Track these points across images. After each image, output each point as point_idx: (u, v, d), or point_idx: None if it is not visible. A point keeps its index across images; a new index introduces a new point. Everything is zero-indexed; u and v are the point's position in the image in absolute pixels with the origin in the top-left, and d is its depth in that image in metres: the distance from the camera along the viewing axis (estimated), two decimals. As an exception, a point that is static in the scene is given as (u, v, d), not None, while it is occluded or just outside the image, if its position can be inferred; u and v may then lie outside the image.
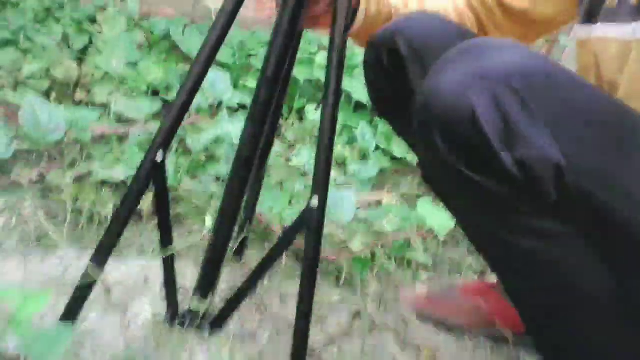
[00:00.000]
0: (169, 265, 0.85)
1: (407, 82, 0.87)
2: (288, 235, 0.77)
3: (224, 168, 1.42)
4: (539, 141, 0.58)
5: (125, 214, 0.78)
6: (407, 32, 0.87)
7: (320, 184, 0.70)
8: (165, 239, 0.85)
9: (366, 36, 0.95)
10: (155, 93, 1.85)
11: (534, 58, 0.62)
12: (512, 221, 0.65)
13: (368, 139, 1.83)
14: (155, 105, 1.67)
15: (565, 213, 0.63)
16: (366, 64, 0.94)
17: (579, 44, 0.91)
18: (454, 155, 0.61)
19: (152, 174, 0.77)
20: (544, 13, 0.99)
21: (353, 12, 0.93)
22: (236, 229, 1.16)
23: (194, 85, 0.81)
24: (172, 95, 1.77)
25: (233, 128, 1.46)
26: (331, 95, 0.74)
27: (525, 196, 0.61)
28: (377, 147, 1.82)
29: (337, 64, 0.76)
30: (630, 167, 0.62)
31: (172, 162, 1.46)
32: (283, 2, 0.78)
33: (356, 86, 1.95)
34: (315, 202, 0.69)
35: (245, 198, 1.09)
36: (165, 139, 0.78)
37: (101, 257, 0.78)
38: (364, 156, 1.83)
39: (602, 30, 0.82)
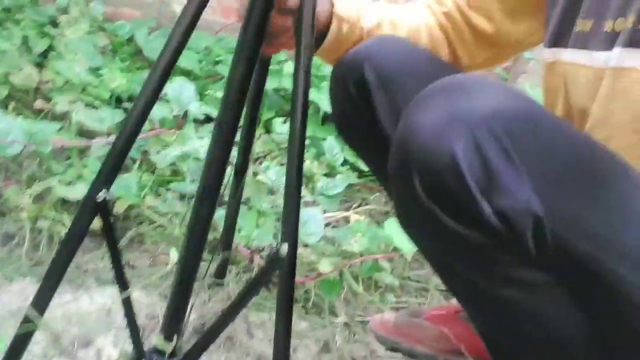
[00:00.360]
0: (128, 306, 0.82)
1: (373, 110, 0.86)
2: (256, 281, 0.75)
3: (189, 186, 1.39)
4: (520, 192, 0.58)
5: (65, 260, 0.75)
6: (375, 58, 0.86)
7: (290, 231, 0.67)
8: (121, 280, 0.81)
9: (334, 55, 0.93)
10: (118, 100, 1.80)
11: (516, 100, 0.60)
12: (491, 270, 0.64)
13: (336, 154, 1.82)
14: (118, 116, 1.62)
15: (545, 263, 0.62)
16: (332, 90, 0.93)
17: (547, 66, 0.91)
18: (433, 201, 0.60)
19: (94, 214, 0.74)
20: (513, 35, 0.99)
21: (322, 33, 0.91)
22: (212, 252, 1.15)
23: (142, 111, 0.76)
24: (136, 105, 1.73)
25: (199, 142, 1.43)
26: (297, 141, 0.70)
27: (505, 246, 0.60)
28: (344, 162, 1.82)
29: (301, 116, 0.72)
30: (609, 217, 0.62)
31: (135, 178, 1.43)
32: (243, 29, 0.75)
33: (324, 98, 1.94)
34: (285, 249, 0.66)
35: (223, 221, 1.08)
36: (108, 177, 0.75)
37: (42, 301, 0.75)
38: (332, 170, 1.82)
39: (574, 56, 0.82)
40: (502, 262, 0.63)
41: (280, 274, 0.67)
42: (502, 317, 0.69)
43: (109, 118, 1.58)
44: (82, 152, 1.53)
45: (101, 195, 0.74)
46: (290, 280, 0.66)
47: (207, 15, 2.48)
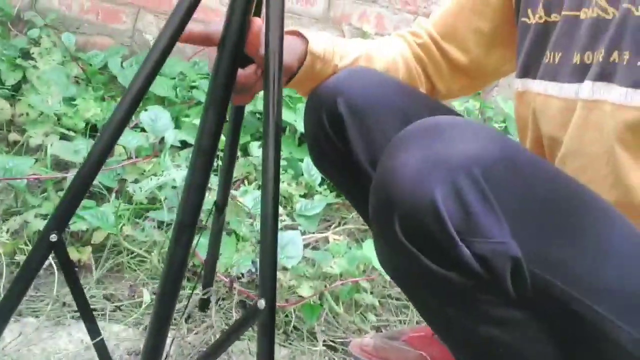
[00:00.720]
0: (101, 351, 0.81)
1: (347, 143, 0.87)
2: (234, 332, 0.74)
3: (167, 214, 1.39)
4: (498, 236, 0.59)
5: (15, 299, 0.74)
6: (347, 91, 0.87)
7: (268, 287, 0.67)
8: (91, 326, 0.81)
9: (306, 88, 0.94)
10: (94, 130, 1.80)
11: (493, 142, 0.62)
12: (471, 309, 0.65)
13: (314, 174, 1.83)
14: (94, 147, 1.62)
15: (525, 302, 0.63)
16: (306, 123, 0.93)
17: (517, 95, 0.93)
18: (413, 245, 0.61)
19: (47, 254, 0.74)
20: (487, 65, 1.01)
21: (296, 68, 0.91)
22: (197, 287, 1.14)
23: (102, 151, 0.73)
24: (111, 135, 1.72)
25: (176, 172, 1.43)
26: (269, 181, 0.71)
27: (485, 287, 0.61)
28: (322, 181, 1.83)
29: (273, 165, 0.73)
30: (587, 257, 0.64)
31: (112, 208, 1.42)
32: (212, 80, 0.74)
33: (300, 119, 1.95)
34: (262, 303, 0.66)
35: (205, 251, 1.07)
36: (61, 220, 0.74)
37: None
38: (310, 190, 1.83)
39: (543, 87, 0.84)
40: (482, 301, 0.64)
41: (259, 326, 0.67)
42: (481, 353, 0.69)
43: (84, 149, 1.57)
44: (58, 183, 1.52)
45: (55, 236, 0.73)
46: (269, 332, 0.67)
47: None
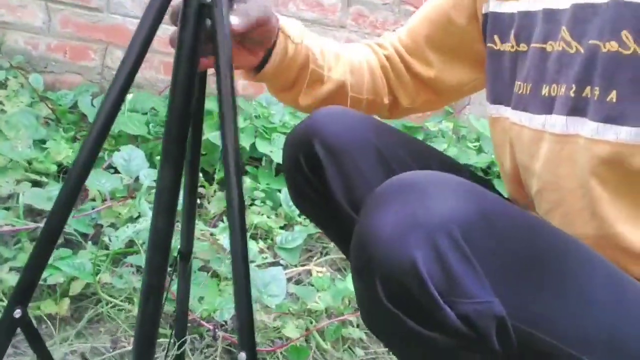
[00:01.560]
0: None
1: (327, 184, 0.87)
2: None
3: (143, 260, 1.37)
4: (481, 295, 0.59)
5: None
6: (323, 132, 0.87)
7: (246, 338, 0.66)
8: None
9: (279, 80, 0.93)
10: (66, 172, 1.77)
11: (471, 198, 0.61)
12: None
13: (292, 205, 1.82)
14: (68, 192, 1.58)
15: (512, 357, 0.63)
16: (286, 165, 0.93)
17: (491, 120, 0.94)
18: (396, 306, 0.60)
19: (13, 331, 0.71)
20: (450, 81, 1.02)
21: (268, 51, 0.89)
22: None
23: (68, 199, 0.69)
24: (85, 178, 1.69)
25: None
26: (234, 200, 0.68)
27: (470, 346, 0.61)
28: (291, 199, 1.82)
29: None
30: (570, 308, 0.63)
31: (88, 255, 1.40)
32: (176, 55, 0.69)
33: (276, 149, 1.95)
34: (243, 356, 0.65)
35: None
36: (25, 292, 0.70)
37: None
38: (289, 221, 1.82)
39: (518, 117, 0.85)
40: (468, 359, 0.63)
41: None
42: None
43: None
44: (32, 232, 1.49)
45: (19, 311, 0.71)
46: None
47: (149, 73, 2.48)
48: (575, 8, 0.76)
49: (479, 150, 2.16)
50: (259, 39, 0.86)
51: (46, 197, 1.53)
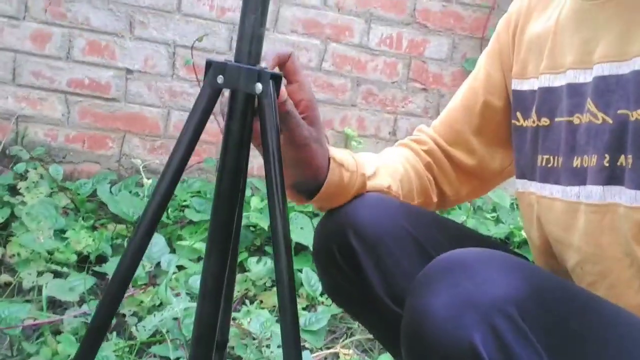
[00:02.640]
0: None
1: (364, 276, 0.86)
2: None
3: (172, 350, 1.34)
4: None
5: None
6: (357, 222, 0.85)
7: None
8: None
9: (332, 202, 0.88)
10: (85, 261, 1.76)
11: (523, 274, 0.61)
12: None
13: (314, 284, 1.80)
14: (89, 281, 1.58)
15: None
16: (318, 256, 0.91)
17: (518, 194, 0.93)
18: None
19: None
20: (493, 165, 1.01)
21: (317, 186, 0.84)
22: None
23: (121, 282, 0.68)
24: (105, 266, 1.69)
25: (177, 302, 1.39)
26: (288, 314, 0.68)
27: None
28: (323, 290, 1.79)
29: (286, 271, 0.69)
30: None
31: (111, 346, 1.37)
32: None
33: (295, 228, 1.94)
34: None
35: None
36: None
37: None
38: (312, 302, 1.79)
39: (548, 190, 0.84)
40: None
41: None
42: None
43: (80, 285, 1.53)
44: (55, 325, 1.47)
45: None
46: None
47: (164, 158, 2.52)
48: (598, 81, 0.78)
49: (497, 220, 2.16)
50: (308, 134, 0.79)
51: (68, 288, 1.52)
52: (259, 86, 0.66)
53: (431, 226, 0.90)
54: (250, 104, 0.68)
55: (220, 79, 0.66)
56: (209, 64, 0.67)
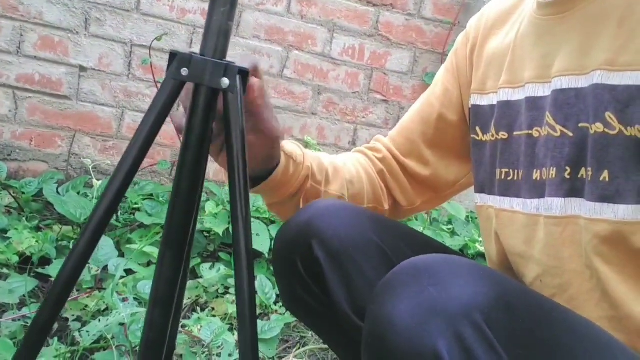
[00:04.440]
0: None
1: (327, 289, 0.81)
2: None
3: (116, 356, 1.27)
4: None
5: None
6: (321, 232, 0.81)
7: None
8: None
9: (276, 194, 0.87)
10: (27, 262, 1.67)
11: (488, 281, 0.59)
12: None
13: (268, 292, 1.76)
14: (30, 284, 1.50)
15: None
16: (278, 266, 0.87)
17: (477, 208, 0.93)
18: None
19: None
20: (446, 177, 1.01)
21: (262, 175, 0.84)
22: None
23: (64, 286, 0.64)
24: (49, 268, 1.61)
25: (124, 307, 1.33)
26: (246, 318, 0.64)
27: None
28: (277, 298, 1.75)
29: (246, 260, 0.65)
30: None
31: (52, 354, 1.29)
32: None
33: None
34: None
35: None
36: None
37: None
38: (265, 310, 1.75)
39: (508, 203, 0.84)
40: None
41: None
42: None
43: (21, 287, 1.45)
44: (-10, 329, 1.38)
45: None
46: None
47: (116, 159, 2.44)
48: (557, 94, 0.77)
49: (453, 233, 2.16)
50: (268, 140, 0.79)
51: (7, 290, 1.44)
52: (225, 81, 0.63)
53: (398, 236, 0.88)
54: (214, 99, 0.65)
55: (184, 72, 0.62)
56: (174, 55, 0.63)
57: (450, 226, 2.20)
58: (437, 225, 2.21)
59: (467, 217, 2.20)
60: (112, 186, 0.65)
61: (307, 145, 2.36)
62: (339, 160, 0.97)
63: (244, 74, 0.65)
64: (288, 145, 0.87)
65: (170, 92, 0.63)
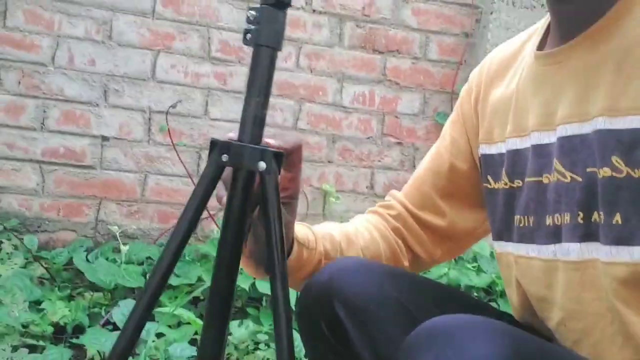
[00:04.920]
0: None
1: (352, 348, 0.83)
2: None
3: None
4: None
5: None
6: (342, 291, 0.83)
7: None
8: None
9: (296, 277, 0.88)
10: (62, 332, 1.71)
11: (504, 341, 0.60)
12: None
13: (297, 344, 1.76)
14: (65, 355, 1.53)
15: None
16: (303, 328, 0.89)
17: (497, 256, 0.93)
18: None
19: None
20: (464, 226, 1.01)
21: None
22: None
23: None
24: (82, 338, 1.64)
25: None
26: None
27: None
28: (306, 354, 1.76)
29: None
30: None
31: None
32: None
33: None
34: None
35: None
36: None
37: None
38: (296, 363, 1.75)
39: (524, 249, 0.85)
40: None
41: None
42: None
43: (57, 359, 1.48)
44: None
45: None
46: None
47: (143, 223, 2.49)
48: (563, 141, 0.79)
49: (479, 270, 2.16)
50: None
51: (44, 364, 1.47)
52: (261, 164, 0.69)
53: (418, 291, 0.89)
54: (252, 181, 0.71)
55: (224, 157, 0.69)
56: (214, 143, 0.70)
57: (475, 264, 2.19)
58: (462, 263, 2.20)
59: (492, 253, 2.20)
60: (158, 271, 0.70)
61: (325, 193, 2.40)
62: (351, 228, 0.98)
63: (279, 157, 0.71)
64: (301, 232, 0.89)
65: (212, 176, 0.70)
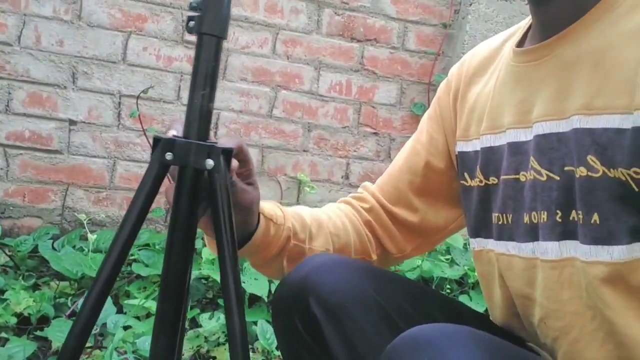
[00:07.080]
0: None
1: (327, 347, 0.81)
2: None
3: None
4: None
5: None
6: (318, 289, 0.82)
7: None
8: None
9: (259, 256, 0.88)
10: (26, 322, 1.66)
11: (485, 353, 0.60)
12: None
13: (269, 337, 1.74)
14: (29, 347, 1.48)
15: None
16: (278, 325, 0.87)
17: (476, 253, 0.92)
18: None
19: None
20: (436, 223, 1.01)
21: (248, 234, 0.85)
22: None
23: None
24: (47, 330, 1.59)
25: (124, 366, 1.31)
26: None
27: None
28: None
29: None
30: None
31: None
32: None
33: (248, 279, 1.89)
34: None
35: None
36: None
37: None
38: (267, 356, 1.73)
39: (505, 247, 0.84)
40: None
41: None
42: None
43: (20, 352, 1.43)
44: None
45: None
46: None
47: (111, 211, 2.43)
48: (539, 139, 0.78)
49: (452, 262, 2.16)
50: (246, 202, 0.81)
51: (6, 356, 1.42)
52: (209, 162, 0.65)
53: (396, 290, 0.88)
54: (199, 179, 0.67)
55: (169, 156, 0.65)
56: (157, 140, 0.65)
57: (448, 256, 2.19)
58: (435, 255, 2.20)
59: (465, 245, 2.20)
60: (103, 273, 0.66)
61: (300, 182, 2.37)
62: (323, 214, 0.97)
63: (228, 153, 0.66)
64: (268, 207, 0.88)
65: (156, 176, 0.65)
